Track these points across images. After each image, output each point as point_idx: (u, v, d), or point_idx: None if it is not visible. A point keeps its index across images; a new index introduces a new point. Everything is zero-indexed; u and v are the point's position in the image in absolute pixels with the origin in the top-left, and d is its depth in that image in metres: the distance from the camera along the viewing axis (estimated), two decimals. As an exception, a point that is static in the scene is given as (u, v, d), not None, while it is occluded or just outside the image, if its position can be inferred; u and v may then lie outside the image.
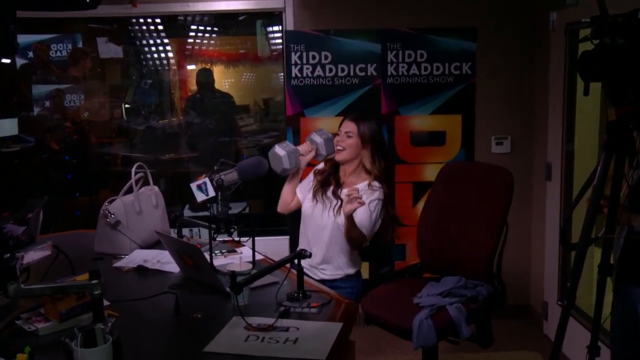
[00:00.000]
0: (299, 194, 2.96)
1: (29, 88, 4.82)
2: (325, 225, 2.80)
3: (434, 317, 2.52)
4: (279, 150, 2.79)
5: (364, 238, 2.74)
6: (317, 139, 2.89)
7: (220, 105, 5.13)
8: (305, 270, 2.72)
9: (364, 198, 2.64)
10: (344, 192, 2.69)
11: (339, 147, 2.83)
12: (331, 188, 2.84)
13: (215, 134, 5.08)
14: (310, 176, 2.97)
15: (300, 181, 2.98)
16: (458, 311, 2.55)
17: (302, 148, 2.87)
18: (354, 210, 2.57)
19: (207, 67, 5.23)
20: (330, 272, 2.84)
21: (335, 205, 2.78)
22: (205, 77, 5.16)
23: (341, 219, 2.71)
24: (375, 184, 2.78)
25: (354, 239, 2.71)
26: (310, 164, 2.98)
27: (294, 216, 4.00)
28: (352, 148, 2.80)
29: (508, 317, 4.10)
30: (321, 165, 2.97)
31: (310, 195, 2.89)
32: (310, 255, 2.15)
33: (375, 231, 2.81)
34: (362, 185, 2.78)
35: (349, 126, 2.82)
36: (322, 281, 2.70)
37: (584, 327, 3.25)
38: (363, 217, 2.71)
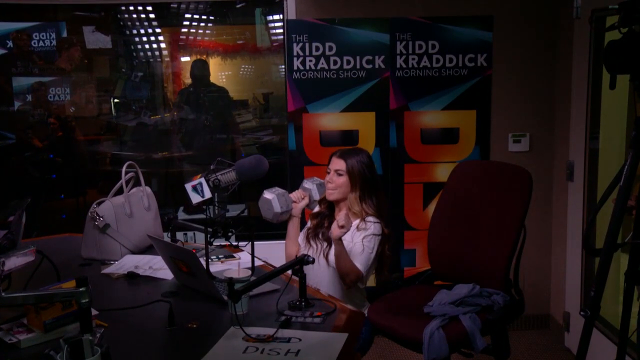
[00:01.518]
0: (300, 241, 3.01)
1: (9, 80, 4.82)
2: (321, 266, 2.83)
3: (446, 327, 2.53)
4: (268, 194, 2.87)
5: (359, 274, 2.73)
6: (309, 185, 2.99)
7: (216, 100, 5.13)
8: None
9: (357, 235, 2.75)
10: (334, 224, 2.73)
11: (329, 187, 2.88)
12: (322, 231, 2.90)
13: (211, 130, 5.08)
14: (308, 222, 3.03)
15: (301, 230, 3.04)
16: (472, 321, 2.55)
17: (294, 195, 2.96)
18: (341, 235, 2.64)
19: (203, 58, 5.24)
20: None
21: (325, 248, 2.83)
22: (200, 70, 5.16)
23: (331, 261, 2.77)
24: (371, 219, 2.81)
25: (347, 272, 2.71)
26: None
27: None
28: (343, 186, 2.85)
29: (526, 328, 4.10)
30: (317, 209, 3.03)
31: (304, 238, 2.95)
32: (313, 261, 2.15)
33: (372, 270, 2.84)
34: (354, 223, 2.81)
35: (338, 164, 2.86)
36: None
37: (609, 340, 3.25)
38: (361, 254, 2.74)
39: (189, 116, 5.07)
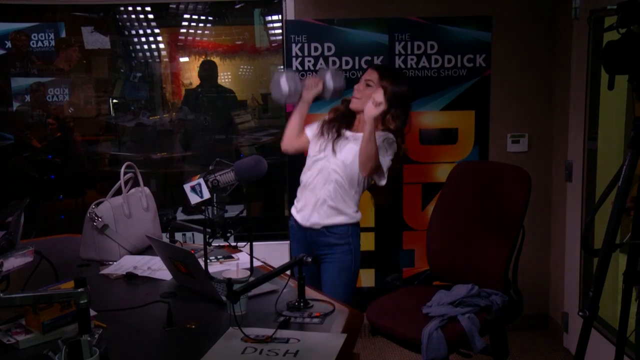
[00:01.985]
0: (308, 132, 2.98)
1: (7, 81, 4.82)
2: (324, 160, 2.83)
3: (445, 328, 2.53)
4: (278, 74, 2.85)
5: (379, 167, 2.70)
6: (324, 72, 2.94)
7: (223, 100, 5.14)
8: (299, 220, 2.85)
9: (378, 136, 2.69)
10: (349, 133, 2.75)
11: (355, 95, 2.85)
12: (336, 125, 2.87)
13: (211, 131, 5.08)
14: (325, 118, 3.00)
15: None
16: (471, 322, 2.55)
17: (308, 81, 2.92)
18: (377, 113, 2.57)
19: (210, 59, 5.24)
20: (324, 216, 2.84)
21: (336, 141, 2.81)
22: (208, 71, 5.15)
23: (338, 152, 2.76)
24: (390, 136, 2.79)
25: (372, 156, 2.64)
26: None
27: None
28: (369, 98, 2.74)
29: (525, 329, 4.10)
30: (339, 105, 3.00)
31: (318, 135, 2.91)
32: (311, 262, 2.15)
33: (384, 178, 2.78)
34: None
35: (370, 74, 2.84)
36: (317, 233, 2.81)
37: (607, 341, 3.25)
38: (380, 152, 2.71)
39: (188, 117, 5.07)
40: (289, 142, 3.02)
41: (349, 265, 2.85)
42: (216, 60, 5.31)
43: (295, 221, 2.94)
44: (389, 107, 2.74)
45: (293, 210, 2.99)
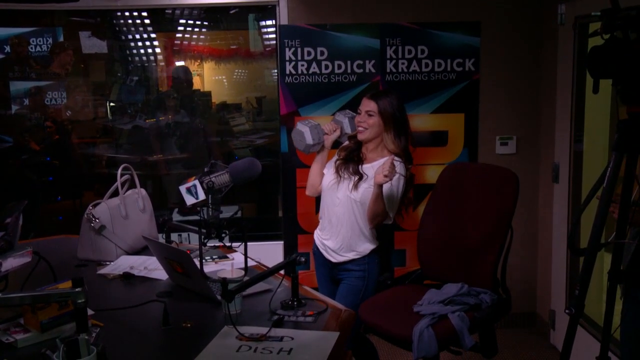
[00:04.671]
0: (325, 172, 3.02)
1: (6, 85, 4.80)
2: (340, 201, 2.88)
3: (435, 326, 2.53)
4: (301, 126, 2.88)
5: (386, 216, 2.81)
6: (341, 117, 2.99)
7: (198, 104, 5.13)
8: (323, 253, 2.93)
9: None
10: (364, 167, 2.82)
11: (360, 127, 2.90)
12: (351, 165, 2.91)
13: (204, 134, 5.07)
14: (336, 155, 3.04)
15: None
16: (460, 320, 2.55)
17: (326, 127, 2.96)
18: (384, 182, 2.66)
19: (185, 63, 5.22)
20: (343, 252, 2.91)
21: (353, 182, 2.85)
22: (182, 74, 5.14)
23: (356, 195, 2.82)
24: (397, 159, 2.83)
25: (379, 213, 2.78)
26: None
27: (288, 220, 4.01)
28: (374, 127, 2.87)
29: (513, 326, 4.12)
30: (346, 143, 3.05)
31: (333, 169, 2.95)
32: (304, 262, 2.16)
33: (389, 219, 2.87)
34: (381, 161, 2.83)
35: (369, 105, 2.88)
36: (338, 263, 2.90)
37: (593, 337, 3.26)
38: (387, 195, 2.78)
39: (184, 120, 5.06)
40: (313, 190, 3.07)
41: (359, 290, 2.91)
42: (211, 64, 5.31)
43: (315, 243, 3.05)
44: (391, 130, 2.85)
45: (317, 238, 3.04)
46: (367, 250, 2.91)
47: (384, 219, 2.83)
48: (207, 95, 5.27)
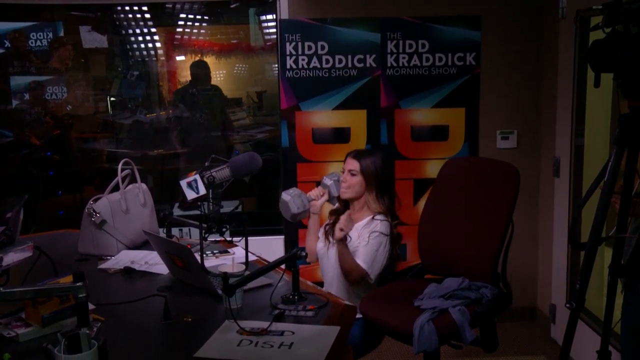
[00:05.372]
0: (320, 236, 3.03)
1: (6, 79, 4.79)
2: (331, 265, 2.87)
3: (436, 320, 2.53)
4: (285, 195, 2.87)
5: (362, 272, 2.75)
6: (327, 181, 2.99)
7: (211, 98, 5.13)
8: None
9: (365, 232, 2.79)
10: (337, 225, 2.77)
11: (343, 186, 2.91)
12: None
13: (206, 128, 5.07)
14: (327, 219, 3.04)
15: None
16: (461, 314, 2.55)
17: (312, 193, 2.96)
18: (341, 237, 2.68)
19: (202, 58, 5.23)
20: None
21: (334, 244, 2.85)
22: (199, 69, 5.15)
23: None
24: (379, 217, 2.84)
25: (349, 270, 2.74)
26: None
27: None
28: (357, 186, 2.87)
29: (514, 321, 4.12)
30: (337, 205, 3.04)
31: (323, 235, 2.96)
32: (306, 256, 2.15)
33: (382, 269, 2.83)
34: (364, 221, 2.85)
35: (352, 164, 2.89)
36: None
37: (593, 331, 3.27)
38: (364, 251, 2.77)
39: (184, 114, 5.06)
40: (312, 256, 3.03)
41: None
42: (211, 59, 5.30)
43: None
44: (373, 190, 2.85)
45: None
46: None
47: (360, 277, 2.76)
48: (218, 89, 5.27)
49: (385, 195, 2.88)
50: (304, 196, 2.90)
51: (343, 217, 2.69)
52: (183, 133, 5.08)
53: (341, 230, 2.66)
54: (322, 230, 3.01)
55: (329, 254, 2.89)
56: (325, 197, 2.97)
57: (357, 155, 2.91)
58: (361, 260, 2.75)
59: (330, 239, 2.88)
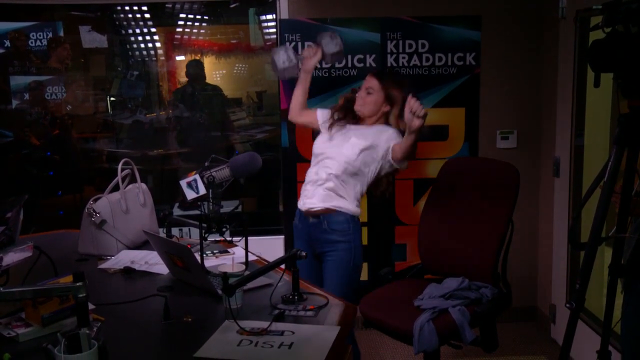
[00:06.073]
0: (319, 116, 3.03)
1: (6, 79, 4.80)
2: (333, 157, 2.85)
3: (436, 320, 2.53)
4: (272, 52, 2.88)
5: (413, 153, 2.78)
6: (321, 38, 2.97)
7: (211, 98, 5.13)
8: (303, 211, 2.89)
9: (385, 136, 2.80)
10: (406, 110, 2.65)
11: (358, 103, 2.89)
12: (343, 122, 2.93)
13: (205, 128, 5.07)
14: (329, 113, 3.04)
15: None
16: (461, 314, 2.56)
17: (306, 51, 2.96)
18: (421, 125, 2.59)
19: (197, 57, 5.23)
20: (327, 201, 2.86)
21: (347, 139, 2.85)
22: (194, 69, 5.15)
23: (341, 154, 2.80)
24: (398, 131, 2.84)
25: (411, 155, 2.76)
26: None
27: (289, 214, 4.01)
28: (371, 105, 2.85)
29: (514, 320, 4.12)
30: (340, 102, 3.04)
31: (326, 130, 2.96)
32: (306, 256, 2.15)
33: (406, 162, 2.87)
34: (381, 126, 2.86)
35: (370, 82, 2.87)
36: (321, 232, 2.84)
37: (593, 331, 3.27)
38: (401, 146, 2.77)
39: (184, 114, 5.06)
40: (295, 114, 3.10)
41: (347, 264, 2.86)
42: (211, 58, 5.30)
43: (297, 215, 2.99)
44: (392, 107, 2.85)
45: (300, 206, 3.00)
46: (350, 211, 2.85)
47: (412, 155, 2.79)
48: (217, 89, 5.27)
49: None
50: (291, 51, 2.91)
51: (417, 103, 2.54)
52: (183, 133, 5.08)
53: (419, 117, 2.53)
54: (327, 113, 2.99)
55: (331, 144, 2.88)
56: (319, 55, 2.95)
57: (378, 73, 2.91)
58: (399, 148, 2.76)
59: (335, 130, 2.89)
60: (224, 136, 5.13)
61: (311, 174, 2.94)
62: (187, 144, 5.05)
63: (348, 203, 2.86)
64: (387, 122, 2.91)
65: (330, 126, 2.93)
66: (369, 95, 2.84)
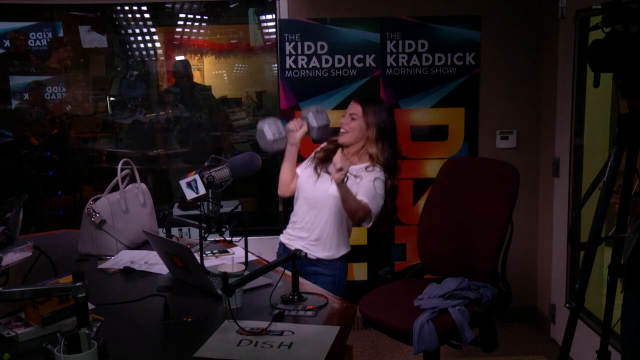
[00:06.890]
0: (299, 171, 2.96)
1: (6, 79, 4.80)
2: (319, 198, 2.79)
3: (436, 320, 2.53)
4: (260, 124, 2.82)
5: (367, 210, 2.63)
6: (306, 112, 2.92)
7: (198, 97, 5.13)
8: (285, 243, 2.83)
9: (366, 176, 2.69)
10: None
11: (342, 129, 2.84)
12: (331, 165, 2.81)
13: (196, 128, 5.07)
14: (312, 155, 2.98)
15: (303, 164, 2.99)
16: (461, 314, 2.56)
17: (291, 124, 2.89)
18: (341, 178, 2.51)
19: (185, 57, 5.23)
20: (316, 250, 2.79)
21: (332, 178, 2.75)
22: (179, 68, 5.15)
23: (335, 191, 2.65)
24: (376, 167, 2.76)
25: (355, 209, 2.62)
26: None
27: (288, 214, 4.01)
28: (355, 131, 2.80)
29: (513, 320, 4.12)
30: (324, 145, 2.97)
31: (311, 169, 2.88)
32: (305, 256, 2.15)
33: (380, 209, 2.72)
34: (362, 165, 2.78)
35: (354, 108, 2.83)
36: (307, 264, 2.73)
37: (593, 331, 3.27)
38: (364, 190, 2.67)
39: (184, 114, 5.06)
40: (284, 188, 2.98)
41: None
42: (211, 58, 5.31)
43: (284, 245, 2.93)
44: (373, 137, 2.77)
45: (285, 239, 2.93)
46: (338, 254, 2.81)
47: (365, 214, 2.64)
48: (208, 89, 5.27)
49: (386, 144, 2.78)
50: (280, 124, 2.84)
51: (338, 156, 2.51)
52: (182, 133, 5.08)
53: (340, 170, 2.47)
54: (308, 165, 2.91)
55: (317, 186, 2.81)
56: (304, 128, 2.89)
57: (361, 100, 2.85)
58: (366, 199, 2.64)
59: (323, 172, 2.81)
60: (224, 136, 5.13)
61: (303, 216, 2.85)
62: (186, 144, 5.05)
63: (340, 248, 2.82)
64: (367, 152, 2.82)
65: (316, 169, 2.86)
66: (353, 121, 2.80)
